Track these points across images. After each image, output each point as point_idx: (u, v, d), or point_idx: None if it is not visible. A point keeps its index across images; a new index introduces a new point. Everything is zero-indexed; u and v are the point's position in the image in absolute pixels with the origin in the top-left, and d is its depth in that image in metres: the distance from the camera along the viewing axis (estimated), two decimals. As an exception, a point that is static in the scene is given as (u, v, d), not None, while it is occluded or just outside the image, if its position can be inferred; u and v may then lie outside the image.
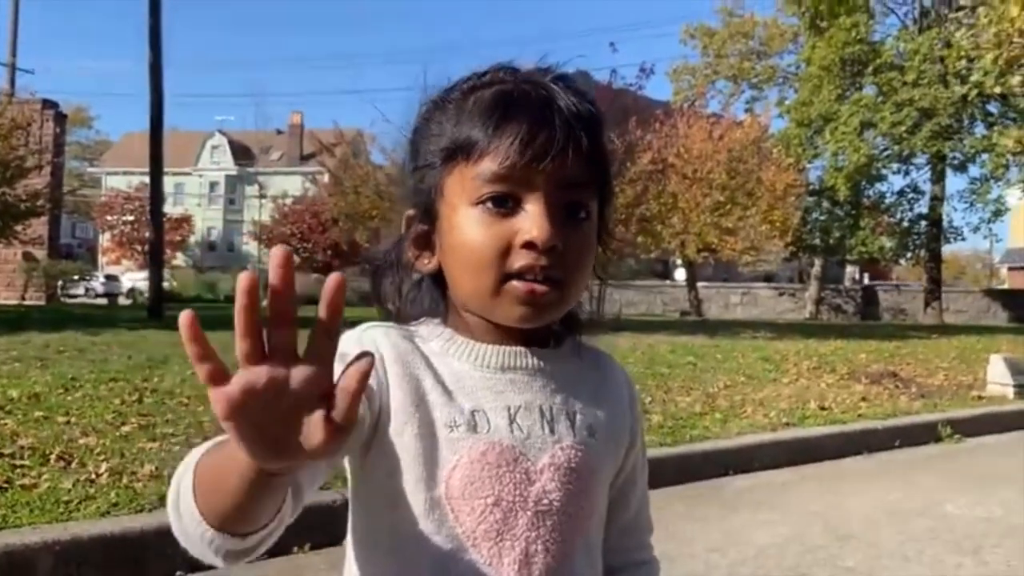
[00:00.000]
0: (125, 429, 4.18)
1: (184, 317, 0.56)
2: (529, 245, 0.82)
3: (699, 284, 24.14)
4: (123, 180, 50.46)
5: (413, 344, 0.88)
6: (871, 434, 5.73)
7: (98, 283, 34.42)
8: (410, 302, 0.93)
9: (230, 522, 0.68)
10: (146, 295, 17.21)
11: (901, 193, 27.24)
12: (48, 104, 23.89)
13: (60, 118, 24.80)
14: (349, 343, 0.85)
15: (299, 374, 0.56)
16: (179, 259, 47.51)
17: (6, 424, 4.15)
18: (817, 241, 26.93)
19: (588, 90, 0.88)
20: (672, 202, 20.01)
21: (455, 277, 0.87)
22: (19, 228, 20.22)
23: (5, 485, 3.16)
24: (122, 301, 28.94)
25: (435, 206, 0.88)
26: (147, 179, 15.25)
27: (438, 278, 0.91)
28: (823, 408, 6.27)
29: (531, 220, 0.82)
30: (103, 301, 29.16)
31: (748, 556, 3.36)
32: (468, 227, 0.84)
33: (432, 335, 0.89)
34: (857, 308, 28.31)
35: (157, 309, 13.97)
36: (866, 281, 41.78)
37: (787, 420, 5.72)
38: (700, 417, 5.61)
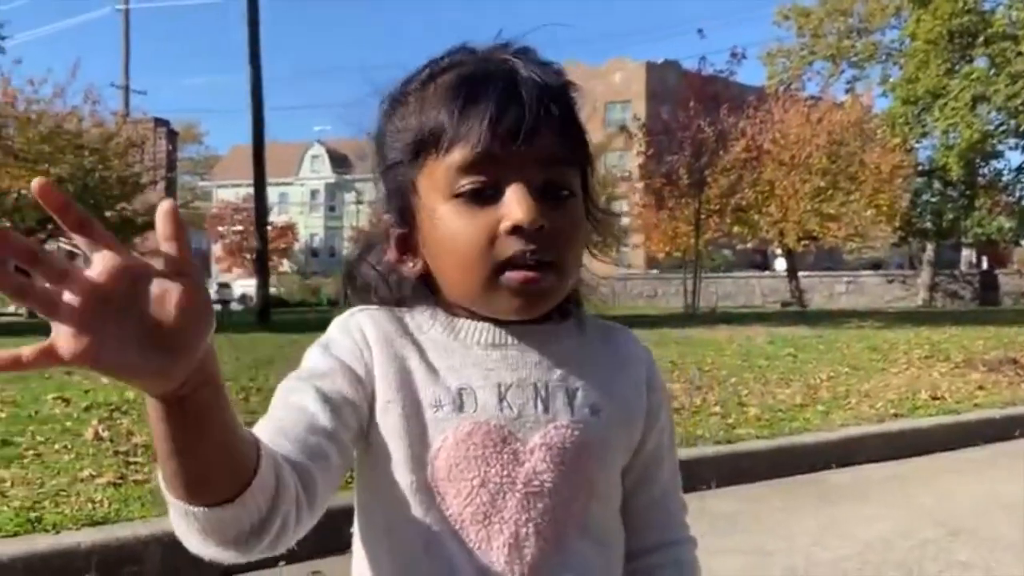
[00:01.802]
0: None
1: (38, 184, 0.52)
2: (515, 230, 0.78)
3: (800, 273, 23.40)
4: (232, 192, 52.74)
5: (401, 324, 0.85)
6: (988, 424, 5.41)
7: (212, 291, 36.21)
8: (394, 293, 0.88)
9: (191, 485, 0.62)
10: (255, 301, 17.95)
11: (1020, 169, 25.66)
12: (160, 123, 25.27)
13: (171, 135, 26.21)
14: (334, 328, 0.84)
15: (100, 265, 0.52)
16: (285, 266, 49.29)
17: (122, 423, 4.40)
18: (928, 224, 25.68)
19: (551, 61, 0.84)
20: (769, 190, 19.49)
21: (445, 277, 0.84)
22: (138, 241, 21.47)
23: (119, 480, 3.35)
24: (234, 307, 30.24)
25: (411, 207, 0.84)
26: (254, 190, 15.90)
27: (427, 279, 0.86)
28: (935, 398, 5.96)
29: (513, 204, 0.78)
30: (217, 307, 30.60)
31: (853, 551, 3.23)
32: (449, 223, 0.80)
33: (423, 315, 0.86)
34: (975, 294, 26.80)
35: (265, 314, 14.55)
36: (984, 265, 39.52)
37: (895, 411, 5.46)
38: (800, 409, 5.42)
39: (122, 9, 34.70)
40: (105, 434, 4.10)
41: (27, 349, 0.52)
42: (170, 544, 2.83)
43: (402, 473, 0.80)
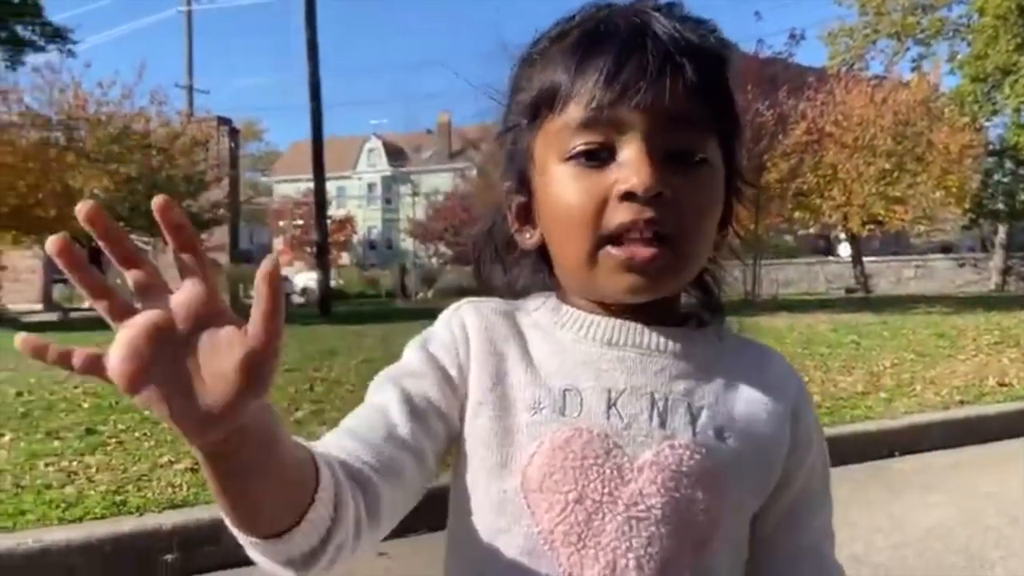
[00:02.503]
0: (299, 414, 4.53)
1: (53, 244, 0.49)
2: (628, 196, 0.68)
3: (866, 258, 22.84)
4: (292, 187, 53.76)
5: (509, 318, 0.78)
6: (1058, 411, 5.26)
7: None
8: (517, 283, 0.82)
9: (239, 520, 0.58)
10: (316, 293, 18.34)
11: (1098, 147, 24.54)
12: (222, 121, 25.91)
13: (234, 133, 26.86)
14: (439, 321, 0.79)
15: (181, 297, 0.50)
16: (344, 258, 50.09)
17: (197, 413, 4.60)
18: (1000, 205, 24.76)
19: (703, 19, 0.75)
20: (831, 173, 19.04)
21: (554, 249, 0.76)
22: (204, 236, 22.12)
23: (197, 466, 3.51)
24: (296, 299, 30.90)
25: (528, 172, 0.77)
26: (313, 185, 16.24)
27: (544, 255, 0.79)
28: (1003, 384, 5.82)
29: (628, 166, 0.69)
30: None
31: (913, 537, 3.22)
32: (558, 187, 0.72)
33: (536, 303, 0.79)
34: (1053, 277, 25.79)
35: (326, 306, 14.87)
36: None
37: (961, 398, 5.36)
38: (862, 397, 5.36)
39: (185, 11, 35.62)
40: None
41: (80, 353, 0.51)
42: (245, 526, 2.98)
43: (488, 481, 0.72)
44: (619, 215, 0.69)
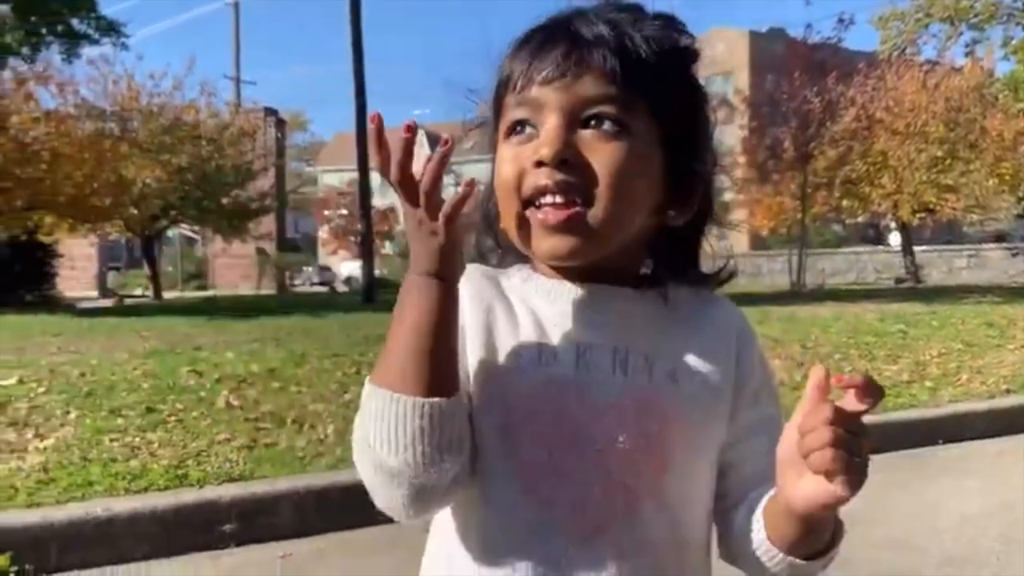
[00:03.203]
0: (347, 397, 4.68)
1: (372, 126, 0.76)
2: (539, 164, 0.77)
3: (916, 248, 22.37)
4: (336, 177, 54.34)
5: (494, 280, 0.87)
6: (1109, 402, 5.18)
7: (314, 273, 37.62)
8: (500, 255, 0.91)
9: (433, 377, 0.72)
10: (361, 282, 18.61)
11: None
12: (269, 112, 26.32)
13: (280, 124, 27.27)
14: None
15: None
16: (387, 248, 50.60)
17: (249, 394, 4.77)
18: (1057, 193, 24.04)
19: (674, 18, 0.83)
20: (881, 161, 18.69)
21: (502, 220, 0.84)
22: (251, 225, 22.53)
23: (251, 444, 3.68)
24: (340, 288, 31.36)
25: None
26: (358, 175, 16.45)
27: None
28: (1052, 375, 5.74)
29: (541, 138, 0.78)
30: (323, 289, 31.81)
31: (951, 524, 3.24)
32: (498, 161, 0.83)
33: (516, 274, 0.88)
34: (1109, 266, 24.98)
35: (370, 294, 15.09)
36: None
37: (1008, 387, 5.30)
38: (907, 386, 5.33)
39: (232, 3, 36.19)
40: (235, 403, 4.47)
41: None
42: (299, 499, 3.13)
43: (483, 423, 0.79)
44: (532, 180, 0.78)
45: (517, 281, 0.87)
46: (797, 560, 0.79)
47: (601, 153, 0.77)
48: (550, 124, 0.78)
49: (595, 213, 0.77)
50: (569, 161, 0.77)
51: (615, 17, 0.80)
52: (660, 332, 0.84)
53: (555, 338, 0.82)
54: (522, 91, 0.80)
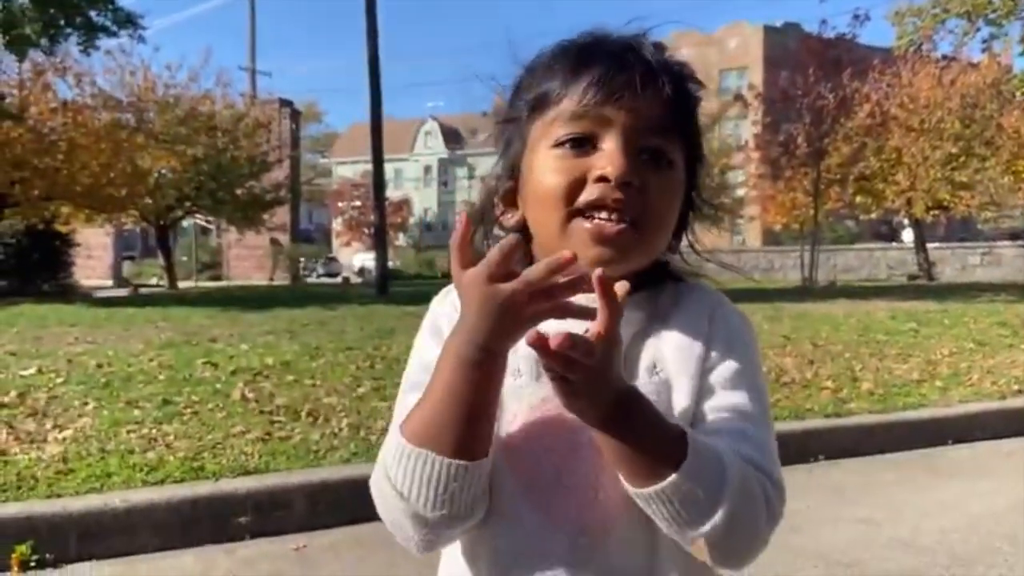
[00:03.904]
0: (361, 390, 4.73)
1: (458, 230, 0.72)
2: (603, 179, 0.81)
3: (929, 245, 22.26)
4: (350, 168, 54.55)
5: None
6: (1123, 403, 5.16)
7: (320, 265, 37.78)
8: None
9: (467, 443, 0.75)
10: (374, 274, 18.67)
11: None
12: (284, 103, 26.42)
13: (295, 115, 27.35)
14: (434, 307, 0.93)
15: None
16: (401, 240, 50.70)
17: (264, 387, 4.83)
18: (1074, 192, 23.84)
19: (683, 61, 0.89)
20: (895, 157, 18.63)
21: (532, 223, 0.87)
22: (266, 216, 22.65)
23: (266, 437, 3.73)
24: (354, 280, 31.49)
25: (519, 159, 0.89)
26: (372, 166, 16.48)
27: (525, 236, 0.88)
28: (1066, 375, 5.72)
29: (607, 156, 0.81)
30: (335, 280, 31.93)
31: (961, 523, 3.25)
32: (543, 167, 0.84)
33: None
34: (1126, 265, 24.75)
35: (383, 286, 15.16)
36: None
37: (1019, 387, 5.29)
38: (917, 385, 5.33)
39: (248, -6, 36.22)
40: (250, 395, 4.53)
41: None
42: (313, 492, 3.17)
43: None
44: (591, 192, 0.81)
45: None
46: (633, 490, 0.77)
47: (655, 184, 0.83)
48: (616, 144, 0.82)
49: (641, 238, 0.83)
50: (631, 185, 0.81)
51: (670, 58, 0.86)
52: (646, 330, 0.87)
53: None
54: (585, 105, 0.82)
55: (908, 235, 27.74)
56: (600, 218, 0.81)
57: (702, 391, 0.86)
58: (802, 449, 4.11)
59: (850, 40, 17.27)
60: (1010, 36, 26.29)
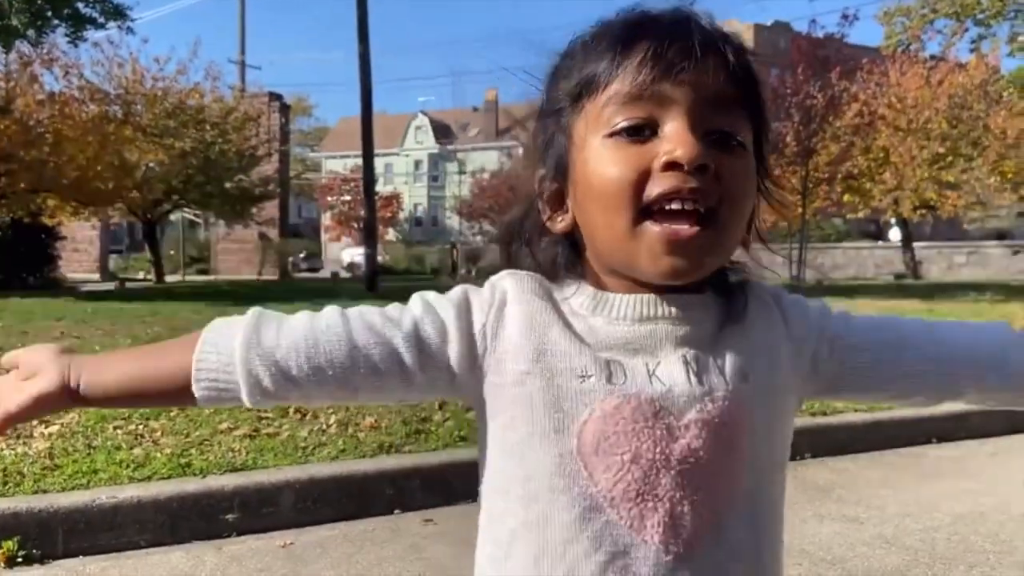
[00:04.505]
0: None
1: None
2: (672, 166, 0.71)
3: (917, 244, 22.42)
4: (340, 163, 54.33)
5: (547, 294, 0.82)
6: (1105, 404, 5.22)
7: (302, 260, 37.55)
8: (547, 268, 0.84)
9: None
10: (363, 269, 18.63)
11: None
12: (274, 97, 26.25)
13: (284, 109, 27.20)
14: (481, 289, 0.84)
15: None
16: (390, 235, 50.58)
17: (253, 383, 4.82)
18: (1059, 192, 24.03)
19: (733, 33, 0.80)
20: (883, 157, 18.75)
21: (589, 226, 0.79)
22: (254, 211, 22.54)
23: (253, 433, 3.73)
24: (343, 274, 31.33)
25: (565, 156, 0.80)
26: (361, 161, 16.44)
27: (574, 241, 0.83)
28: (1049, 375, 5.77)
29: (672, 139, 0.72)
30: (318, 275, 31.78)
31: (943, 523, 3.28)
32: (599, 160, 0.75)
33: (569, 289, 0.83)
34: (1110, 266, 24.99)
35: (373, 282, 15.13)
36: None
37: (1003, 387, 5.34)
38: (903, 383, 5.38)
39: (238, -13, 36.00)
40: (238, 392, 4.51)
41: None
42: (300, 489, 3.17)
43: (542, 444, 0.77)
44: (662, 183, 0.72)
45: (576, 299, 0.82)
46: None
47: (730, 168, 0.74)
48: (682, 125, 0.72)
49: (719, 234, 0.75)
50: (707, 168, 0.72)
51: (710, 19, 0.77)
52: (726, 333, 0.81)
53: (623, 355, 0.78)
54: (640, 84, 0.73)
55: (895, 234, 27.91)
56: (673, 213, 0.72)
57: (832, 356, 0.85)
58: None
59: (839, 40, 17.37)
60: (998, 37, 26.45)
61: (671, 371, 0.77)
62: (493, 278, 0.84)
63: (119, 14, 13.87)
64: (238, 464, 3.30)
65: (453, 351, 0.81)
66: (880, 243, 28.93)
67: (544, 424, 0.77)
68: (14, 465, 3.18)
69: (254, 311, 0.87)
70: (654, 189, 0.72)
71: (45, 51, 15.54)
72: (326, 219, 53.75)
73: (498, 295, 0.82)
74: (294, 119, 46.48)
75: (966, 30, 27.80)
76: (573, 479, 0.76)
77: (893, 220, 24.01)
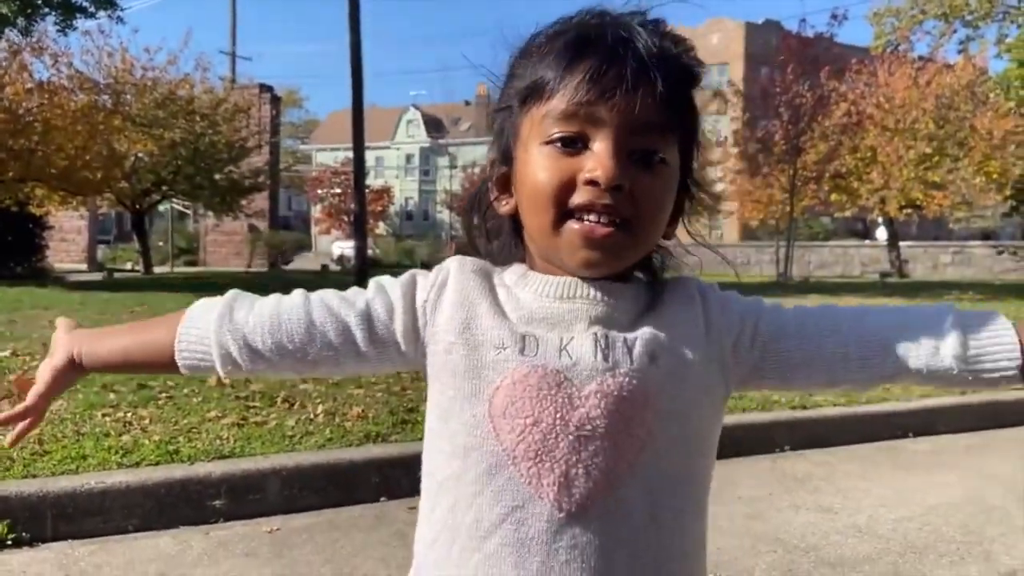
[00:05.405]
0: (337, 377, 4.77)
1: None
2: (592, 183, 0.81)
3: (903, 243, 22.59)
4: (330, 156, 54.18)
5: (484, 274, 0.92)
6: (1079, 400, 5.32)
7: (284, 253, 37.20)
8: (495, 245, 0.96)
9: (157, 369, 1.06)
10: (353, 262, 18.63)
11: None
12: (264, 88, 26.17)
13: (275, 101, 27.10)
14: (421, 273, 0.95)
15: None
16: (380, 228, 50.48)
17: (241, 372, 4.86)
18: (1044, 193, 24.24)
19: (684, 38, 0.87)
20: (871, 156, 18.88)
21: (524, 216, 0.89)
22: (244, 203, 22.48)
23: (241, 422, 3.77)
24: (332, 267, 31.26)
25: (512, 148, 0.89)
26: (352, 154, 16.42)
27: (518, 222, 0.92)
28: (1026, 373, 5.87)
29: (596, 158, 0.81)
30: (314, 267, 31.67)
31: (916, 513, 3.37)
32: (536, 164, 0.84)
33: (508, 271, 0.93)
34: (1093, 267, 25.25)
35: (362, 274, 15.16)
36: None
37: (981, 384, 5.44)
38: (882, 379, 5.46)
39: (229, -23, 35.82)
40: (226, 381, 4.55)
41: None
42: (287, 476, 3.23)
43: (462, 406, 0.87)
44: (582, 196, 0.82)
45: (509, 276, 0.92)
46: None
47: (647, 186, 0.84)
48: (606, 147, 0.82)
49: (632, 238, 0.85)
50: (622, 188, 0.82)
51: (657, 36, 0.84)
52: (642, 317, 0.88)
53: (539, 329, 0.87)
54: (576, 104, 0.82)
55: (882, 233, 28.11)
56: (590, 220, 0.82)
57: (754, 345, 0.90)
58: (768, 439, 4.22)
59: (828, 39, 17.47)
60: (986, 38, 26.65)
61: (581, 345, 0.86)
62: (443, 262, 0.95)
63: (109, 3, 13.83)
64: (225, 451, 3.34)
65: (399, 326, 0.92)
66: (867, 242, 29.15)
67: (465, 388, 0.87)
68: (4, 450, 3.21)
69: (231, 292, 1.01)
70: (576, 199, 0.82)
71: (35, 39, 15.46)
72: (316, 212, 53.60)
73: (441, 275, 0.93)
74: (285, 111, 46.27)
75: (954, 31, 27.99)
76: (484, 438, 0.85)
77: (880, 219, 24.19)
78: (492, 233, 0.97)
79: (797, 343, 0.91)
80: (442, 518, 0.89)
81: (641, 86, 0.81)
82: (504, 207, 0.92)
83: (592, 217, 0.82)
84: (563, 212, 0.83)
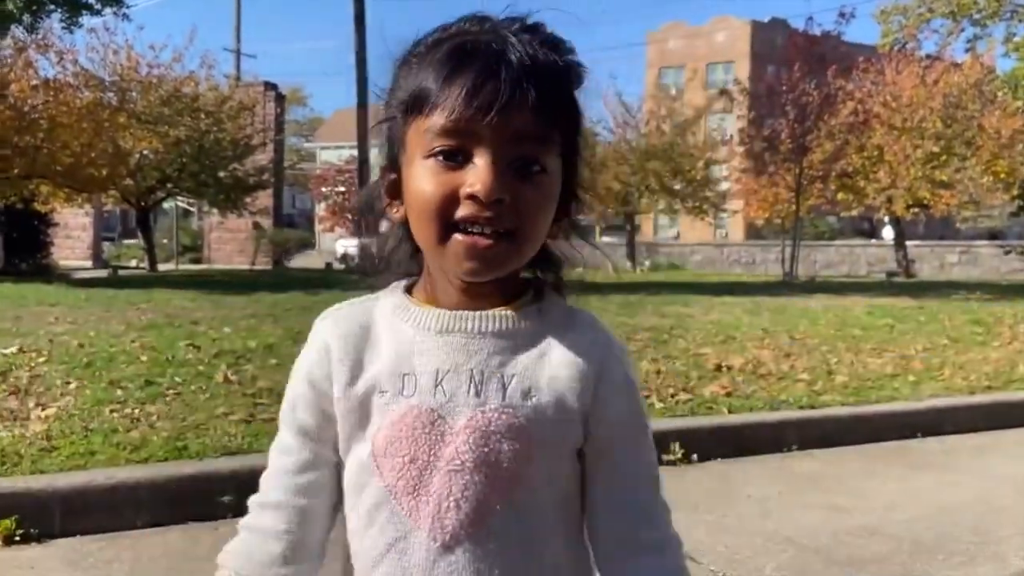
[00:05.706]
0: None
1: None
2: (473, 197, 0.83)
3: (910, 243, 22.51)
4: (335, 154, 54.11)
5: (364, 320, 0.95)
6: (1088, 401, 5.30)
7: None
8: (389, 252, 0.98)
9: None
10: (356, 260, 18.61)
11: None
12: (269, 86, 26.14)
13: (280, 98, 27.06)
14: (306, 348, 0.97)
15: None
16: (383, 226, 50.28)
17: (247, 369, 4.86)
18: (1051, 193, 24.15)
19: (563, 41, 0.89)
20: (877, 155, 18.79)
21: (412, 226, 0.90)
22: (248, 200, 22.49)
23: (249, 418, 3.77)
24: (336, 265, 31.24)
25: (399, 157, 0.91)
26: (356, 152, 16.43)
27: (409, 228, 0.93)
28: (1034, 372, 5.86)
29: (476, 173, 0.83)
30: (318, 265, 31.67)
31: (926, 514, 3.35)
32: (419, 178, 0.86)
33: (389, 300, 0.95)
34: (1100, 267, 25.16)
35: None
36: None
37: (989, 384, 5.42)
38: (890, 379, 5.45)
39: (234, -25, 35.82)
40: (233, 378, 4.55)
41: None
42: (296, 473, 3.22)
43: (356, 449, 0.92)
44: (464, 209, 0.84)
45: (389, 308, 0.94)
46: None
47: (527, 195, 0.85)
48: (485, 163, 0.83)
49: (515, 247, 0.87)
50: (502, 201, 0.84)
51: (534, 44, 0.85)
52: (523, 352, 0.90)
53: (418, 365, 0.90)
54: (454, 121, 0.83)
55: (888, 232, 28.04)
56: (474, 232, 0.84)
57: (592, 438, 0.91)
58: (776, 438, 4.21)
59: (835, 37, 17.40)
60: (994, 37, 26.59)
61: (456, 381, 0.89)
62: (314, 328, 0.97)
63: (115, 0, 13.82)
64: (234, 447, 3.34)
65: (326, 424, 0.94)
66: (873, 241, 29.07)
67: (356, 432, 0.92)
68: (12, 446, 3.22)
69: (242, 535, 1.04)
70: (460, 212, 0.84)
71: (40, 36, 15.48)
72: (320, 209, 53.58)
73: (320, 344, 0.95)
74: (289, 109, 46.29)
75: (962, 30, 27.94)
76: (370, 476, 0.90)
77: (886, 218, 24.11)
78: (384, 235, 0.99)
79: (600, 488, 0.93)
80: (345, 545, 0.96)
81: (516, 99, 0.82)
82: (396, 214, 0.94)
83: (475, 229, 0.84)
84: (448, 224, 0.85)
